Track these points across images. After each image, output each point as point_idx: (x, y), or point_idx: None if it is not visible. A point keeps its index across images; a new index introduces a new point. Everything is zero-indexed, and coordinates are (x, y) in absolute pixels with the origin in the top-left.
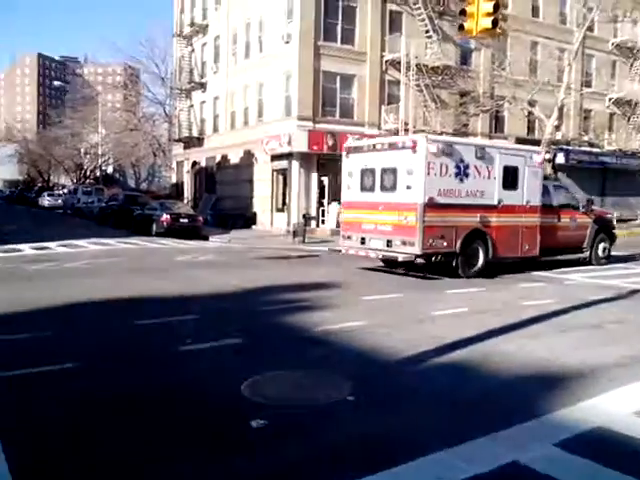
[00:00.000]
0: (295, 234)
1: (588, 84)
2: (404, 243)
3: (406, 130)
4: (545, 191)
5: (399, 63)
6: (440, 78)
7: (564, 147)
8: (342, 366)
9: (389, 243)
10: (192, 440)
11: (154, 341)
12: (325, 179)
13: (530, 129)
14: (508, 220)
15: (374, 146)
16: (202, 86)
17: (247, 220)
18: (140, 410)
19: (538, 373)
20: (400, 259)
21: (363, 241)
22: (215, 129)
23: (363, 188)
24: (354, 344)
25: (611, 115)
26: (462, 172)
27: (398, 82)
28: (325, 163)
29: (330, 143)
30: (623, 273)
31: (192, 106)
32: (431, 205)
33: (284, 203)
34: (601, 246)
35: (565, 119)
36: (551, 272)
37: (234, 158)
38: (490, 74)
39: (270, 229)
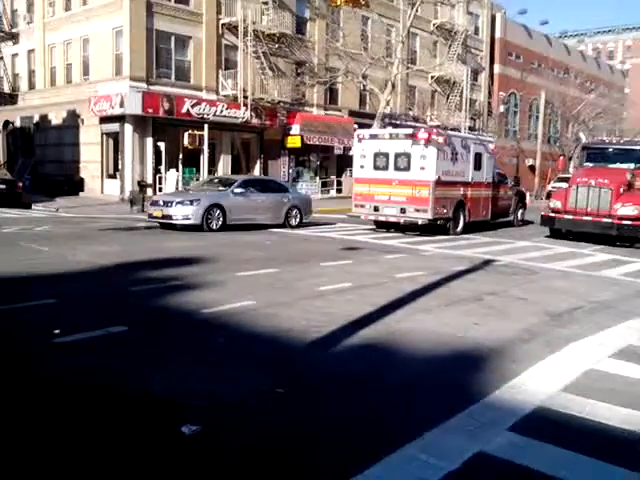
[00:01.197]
0: (132, 202)
1: (413, 61)
2: (418, 210)
3: (245, 97)
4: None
5: (236, 28)
6: (277, 46)
7: (393, 121)
8: (253, 353)
9: (403, 210)
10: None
11: (9, 336)
12: (162, 145)
13: (362, 102)
14: (476, 193)
15: (390, 135)
16: (13, 37)
17: (73, 186)
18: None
19: (454, 351)
20: (420, 222)
21: (376, 209)
22: (31, 86)
23: (376, 167)
24: (254, 327)
25: (433, 92)
26: (454, 157)
27: (236, 47)
28: (161, 128)
29: (166, 107)
30: (467, 244)
31: (1, 58)
32: (438, 182)
33: (116, 169)
34: (519, 212)
35: (392, 95)
36: (404, 243)
37: (56, 119)
38: (325, 45)
39: (100, 196)
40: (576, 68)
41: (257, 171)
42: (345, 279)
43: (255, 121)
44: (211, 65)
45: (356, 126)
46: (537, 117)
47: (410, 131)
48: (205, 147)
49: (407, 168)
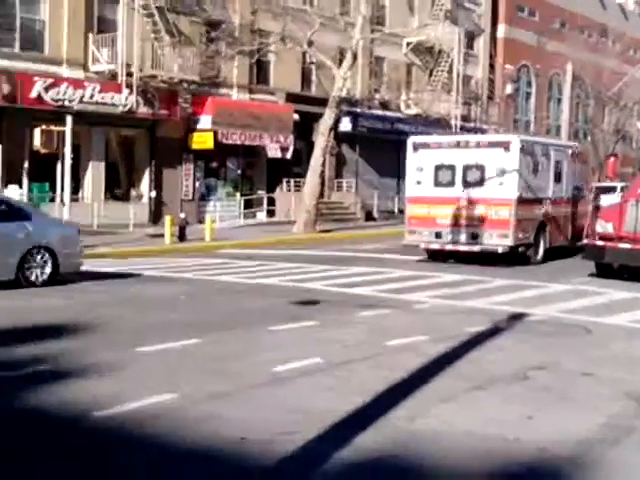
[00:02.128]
0: None
1: (381, 22)
2: (495, 236)
3: (129, 75)
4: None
5: None
6: None
7: (352, 110)
8: None
9: (474, 236)
10: None
11: None
12: None
13: (306, 82)
14: (557, 211)
15: (458, 143)
16: None
17: None
18: None
19: (511, 467)
20: (500, 251)
21: (438, 235)
22: None
23: (438, 183)
24: (183, 440)
25: (410, 67)
26: (535, 168)
27: (115, 0)
28: None
29: (6, 90)
30: (481, 288)
31: None
32: (520, 200)
33: None
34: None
35: (352, 71)
36: (384, 291)
37: None
38: None
39: None
40: (616, 29)
41: (145, 184)
42: (311, 352)
43: (144, 110)
44: (77, 27)
45: (296, 116)
46: (560, 100)
47: (483, 138)
48: (67, 150)
49: (480, 183)
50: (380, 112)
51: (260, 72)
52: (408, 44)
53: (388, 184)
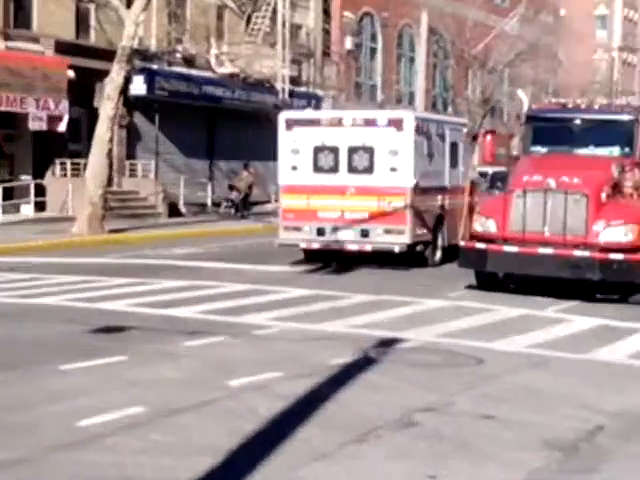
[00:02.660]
0: None
1: None
2: (389, 232)
3: None
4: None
5: None
6: None
7: (147, 66)
8: None
9: (365, 233)
10: None
11: None
12: None
13: (82, 26)
14: (453, 203)
15: (339, 121)
16: None
17: None
18: None
19: None
20: (397, 250)
21: (321, 232)
22: None
23: (318, 169)
24: None
25: (221, 10)
26: (430, 151)
27: None
28: None
29: None
30: (337, 307)
31: None
32: (417, 189)
33: None
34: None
35: (146, 13)
36: (208, 312)
37: None
38: None
39: None
40: None
41: None
42: (127, 397)
43: None
44: None
45: (71, 73)
46: (412, 60)
47: (371, 114)
48: None
49: (369, 169)
50: (184, 70)
51: (18, 11)
52: None
53: (198, 167)
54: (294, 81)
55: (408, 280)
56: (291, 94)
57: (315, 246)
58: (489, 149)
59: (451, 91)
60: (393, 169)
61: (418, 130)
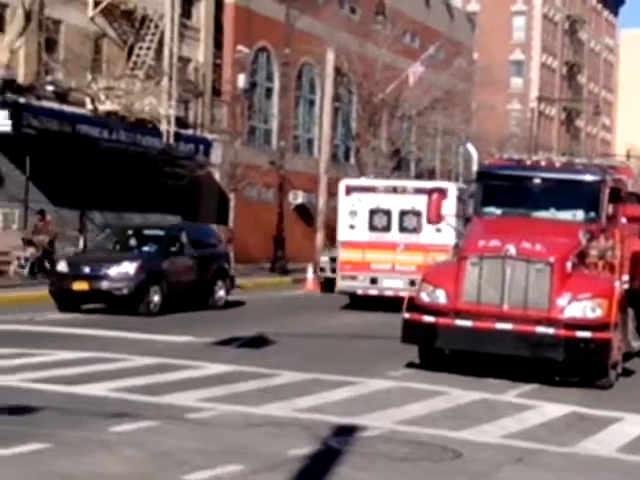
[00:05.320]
0: None
1: None
2: None
3: None
4: None
5: None
6: None
7: (12, 100)
8: None
9: (413, 283)
10: None
11: None
12: None
13: None
14: None
15: (393, 188)
16: None
17: None
18: None
19: None
20: None
21: (374, 281)
22: None
23: (373, 228)
24: None
25: (99, 39)
26: (465, 214)
27: None
28: None
29: None
30: (270, 386)
31: None
32: (457, 247)
33: None
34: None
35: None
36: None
37: None
38: None
39: None
40: (394, 9)
41: None
42: None
43: None
44: None
45: None
46: (312, 102)
47: (421, 184)
48: None
49: (417, 229)
50: (56, 106)
51: None
52: (97, 3)
53: (68, 218)
54: (180, 122)
55: (337, 354)
56: (177, 137)
57: (372, 292)
58: (436, 208)
59: (356, 140)
60: (438, 230)
61: (458, 197)
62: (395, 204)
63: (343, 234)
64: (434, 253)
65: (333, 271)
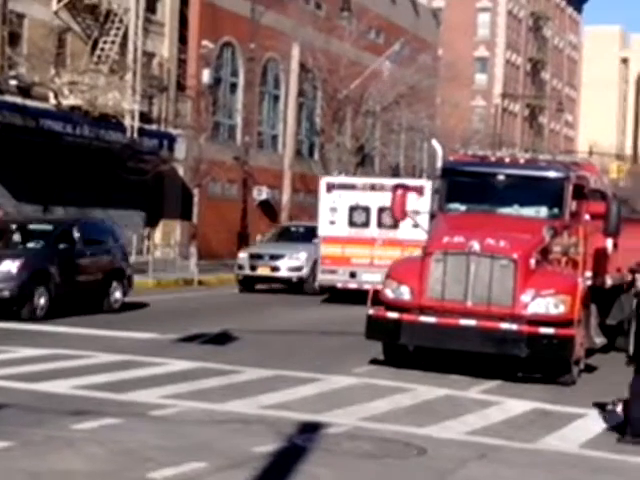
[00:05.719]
0: None
1: None
2: None
3: None
4: None
5: None
6: None
7: None
8: None
9: None
10: None
11: None
12: None
13: None
14: None
15: (372, 186)
16: None
17: None
18: None
19: None
20: None
21: (353, 275)
22: None
23: (353, 224)
24: None
25: (63, 33)
26: None
27: None
28: None
29: None
30: (232, 383)
31: None
32: None
33: None
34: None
35: None
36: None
37: None
38: None
39: None
40: (359, 5)
41: None
42: None
43: None
44: None
45: None
46: (276, 98)
47: (401, 182)
48: None
49: (394, 225)
50: (19, 100)
51: None
52: None
53: (31, 212)
54: (144, 117)
55: (301, 351)
56: (141, 132)
57: (351, 286)
58: (400, 205)
59: (321, 136)
60: (415, 226)
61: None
62: (374, 201)
63: (324, 229)
64: (411, 248)
65: (252, 268)
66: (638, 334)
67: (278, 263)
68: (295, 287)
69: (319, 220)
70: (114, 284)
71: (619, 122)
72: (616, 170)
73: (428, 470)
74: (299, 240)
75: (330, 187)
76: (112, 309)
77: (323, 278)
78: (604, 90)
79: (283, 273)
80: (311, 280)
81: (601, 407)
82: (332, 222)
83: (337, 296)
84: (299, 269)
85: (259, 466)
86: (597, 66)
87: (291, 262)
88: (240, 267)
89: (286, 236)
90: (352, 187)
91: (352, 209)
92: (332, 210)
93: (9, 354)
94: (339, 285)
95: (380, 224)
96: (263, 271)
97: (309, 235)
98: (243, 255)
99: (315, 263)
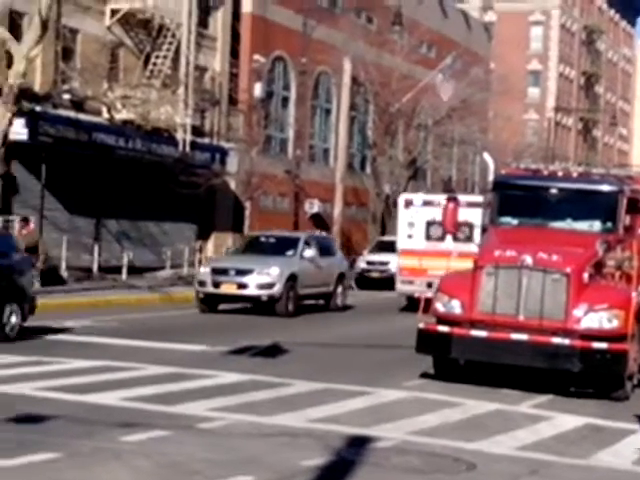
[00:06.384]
0: None
1: None
2: None
3: None
4: None
5: None
6: None
7: (29, 108)
8: None
9: None
10: None
11: None
12: None
13: None
14: None
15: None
16: None
17: None
18: None
19: None
20: None
21: (430, 285)
22: None
23: (429, 237)
24: None
25: (115, 48)
26: None
27: None
28: None
29: None
30: (279, 396)
31: None
32: None
33: None
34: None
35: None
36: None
37: None
38: None
39: None
40: (411, 19)
41: None
42: None
43: None
44: None
45: None
46: (328, 112)
47: (473, 198)
48: None
49: (469, 239)
50: (72, 114)
51: None
52: (114, 13)
53: (82, 226)
54: (196, 131)
55: (350, 365)
56: (193, 146)
57: (428, 295)
58: (451, 218)
59: (372, 149)
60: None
61: None
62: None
63: (402, 243)
64: None
65: (215, 285)
66: None
67: (245, 279)
68: (265, 307)
69: (398, 234)
70: (9, 307)
71: None
72: None
73: None
74: (271, 253)
75: (408, 203)
76: (8, 338)
77: (402, 288)
78: None
79: (251, 291)
80: (284, 299)
81: None
82: (410, 236)
83: (414, 305)
84: (270, 286)
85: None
86: None
87: (261, 278)
88: (201, 284)
89: (255, 248)
90: (429, 203)
91: (429, 224)
92: (410, 225)
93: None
94: (417, 295)
95: (455, 238)
96: (228, 289)
97: (282, 247)
98: (205, 270)
99: (291, 279)
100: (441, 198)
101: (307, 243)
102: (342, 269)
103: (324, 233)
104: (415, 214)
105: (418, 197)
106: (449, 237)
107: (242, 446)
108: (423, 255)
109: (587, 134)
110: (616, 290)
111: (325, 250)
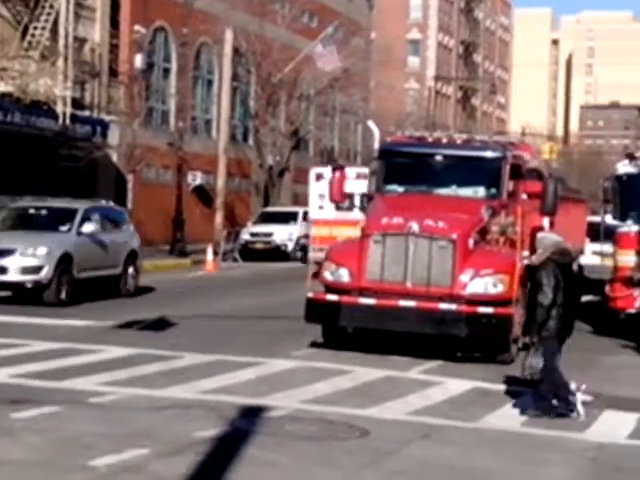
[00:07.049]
0: None
1: None
2: None
3: None
4: None
5: None
6: None
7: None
8: None
9: None
10: None
11: None
12: None
13: None
14: None
15: (357, 175)
16: None
17: None
18: None
19: None
20: None
21: None
22: None
23: (339, 208)
24: None
25: None
26: None
27: None
28: None
29: None
30: (174, 368)
31: None
32: None
33: None
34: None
35: None
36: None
37: None
38: None
39: None
40: None
41: None
42: None
43: None
44: None
45: None
46: (210, 83)
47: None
48: None
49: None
50: None
51: None
52: None
53: None
54: (76, 103)
55: (240, 336)
56: (73, 118)
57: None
58: (338, 187)
59: (255, 120)
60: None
61: None
62: (358, 188)
63: (314, 213)
64: None
65: None
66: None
67: (4, 262)
68: (31, 295)
69: (310, 206)
70: None
71: (550, 103)
72: (549, 151)
73: (372, 451)
74: (41, 228)
75: (319, 176)
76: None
77: (314, 256)
78: (535, 72)
79: (12, 276)
80: (55, 285)
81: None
82: (321, 207)
83: None
84: (36, 270)
85: (202, 451)
86: (528, 48)
87: (24, 260)
88: None
89: (23, 222)
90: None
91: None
92: (320, 196)
93: None
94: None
95: (363, 208)
96: None
97: (56, 221)
98: None
99: (64, 260)
100: (350, 170)
101: (87, 216)
102: (133, 246)
103: (112, 203)
104: (325, 187)
105: (328, 170)
106: (357, 207)
107: (135, 419)
108: (333, 224)
109: (466, 102)
110: (501, 255)
111: (113, 224)
